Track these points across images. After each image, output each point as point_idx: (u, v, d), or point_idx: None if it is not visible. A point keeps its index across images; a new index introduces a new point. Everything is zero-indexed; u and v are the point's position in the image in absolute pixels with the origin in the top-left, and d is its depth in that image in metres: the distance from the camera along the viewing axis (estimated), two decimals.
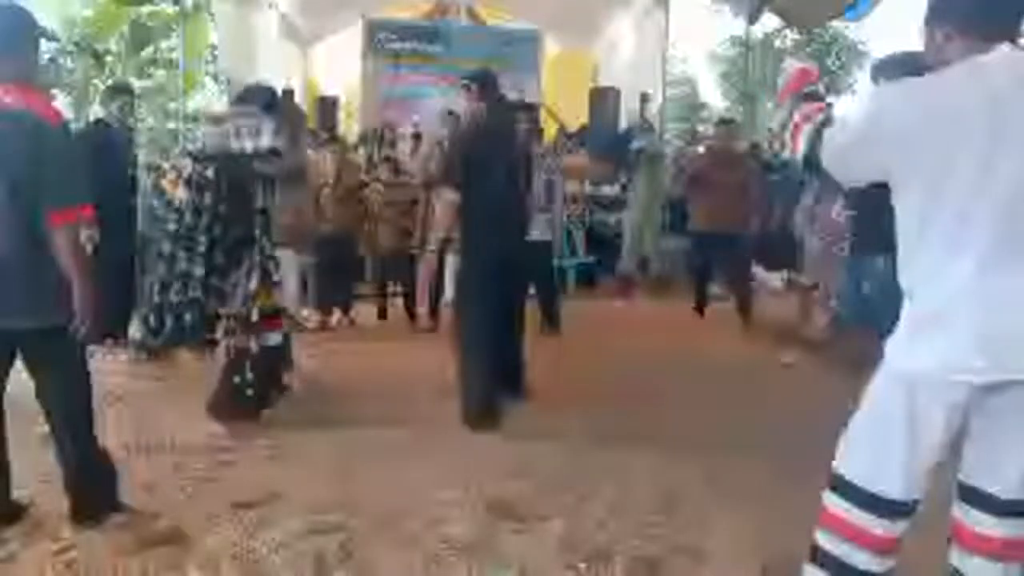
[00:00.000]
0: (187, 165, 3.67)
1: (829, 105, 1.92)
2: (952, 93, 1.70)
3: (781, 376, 5.00)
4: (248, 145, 3.62)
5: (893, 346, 1.80)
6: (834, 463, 1.89)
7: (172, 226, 3.58)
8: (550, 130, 9.01)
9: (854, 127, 1.81)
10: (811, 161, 1.84)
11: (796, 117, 1.91)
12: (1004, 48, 1.71)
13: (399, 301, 6.51)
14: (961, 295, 1.67)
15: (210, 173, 3.58)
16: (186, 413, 3.81)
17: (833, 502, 1.87)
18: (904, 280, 1.80)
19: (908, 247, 1.78)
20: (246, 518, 2.75)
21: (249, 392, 3.72)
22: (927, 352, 1.71)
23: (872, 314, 3.69)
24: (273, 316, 3.81)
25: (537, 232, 5.85)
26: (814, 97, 1.93)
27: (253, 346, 3.71)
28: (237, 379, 3.71)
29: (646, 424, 3.89)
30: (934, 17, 1.81)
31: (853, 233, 4.31)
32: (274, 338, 3.81)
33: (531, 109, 6.25)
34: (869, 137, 1.78)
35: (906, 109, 1.74)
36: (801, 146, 1.87)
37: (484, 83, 4.13)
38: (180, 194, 3.65)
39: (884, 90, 2.14)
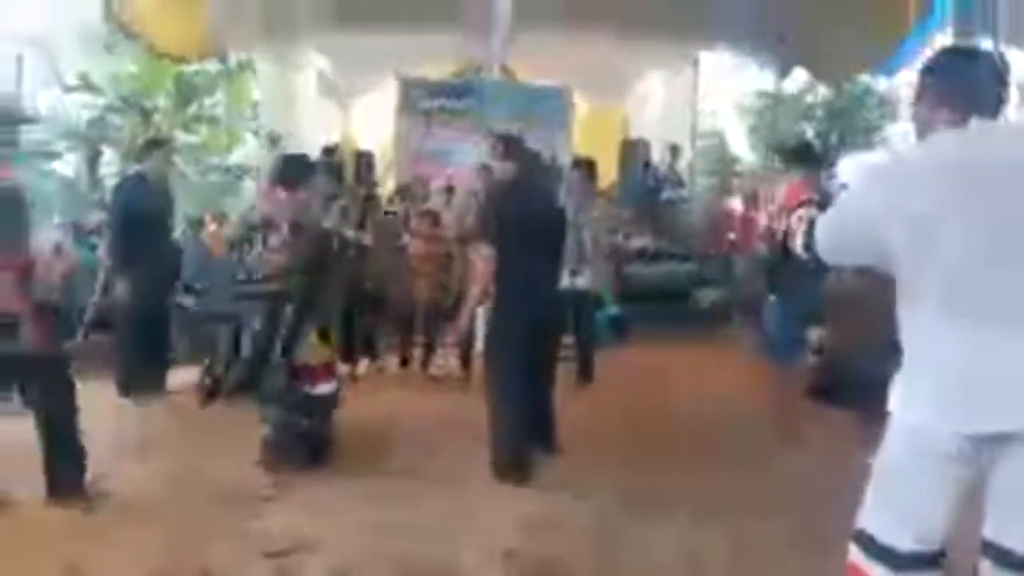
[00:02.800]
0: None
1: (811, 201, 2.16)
2: (935, 162, 1.81)
3: (818, 431, 4.90)
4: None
5: (894, 399, 1.85)
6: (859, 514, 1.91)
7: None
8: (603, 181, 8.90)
9: (834, 216, 1.98)
10: (810, 247, 2.03)
11: (792, 221, 2.12)
12: (979, 122, 1.81)
13: (417, 351, 6.54)
14: (950, 352, 1.73)
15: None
16: (221, 461, 3.86)
17: (852, 552, 1.89)
18: (903, 336, 1.87)
19: (904, 304, 1.85)
20: (277, 567, 2.76)
21: (305, 439, 3.89)
22: (921, 404, 1.78)
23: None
24: (328, 365, 4.08)
25: (581, 281, 5.88)
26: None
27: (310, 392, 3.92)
28: (295, 425, 3.90)
29: (676, 483, 3.78)
30: (921, 89, 1.95)
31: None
32: (328, 387, 4.01)
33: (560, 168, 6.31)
34: (846, 224, 1.95)
35: (876, 189, 1.87)
36: (800, 240, 2.06)
37: (508, 143, 4.36)
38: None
39: (857, 177, 2.33)
